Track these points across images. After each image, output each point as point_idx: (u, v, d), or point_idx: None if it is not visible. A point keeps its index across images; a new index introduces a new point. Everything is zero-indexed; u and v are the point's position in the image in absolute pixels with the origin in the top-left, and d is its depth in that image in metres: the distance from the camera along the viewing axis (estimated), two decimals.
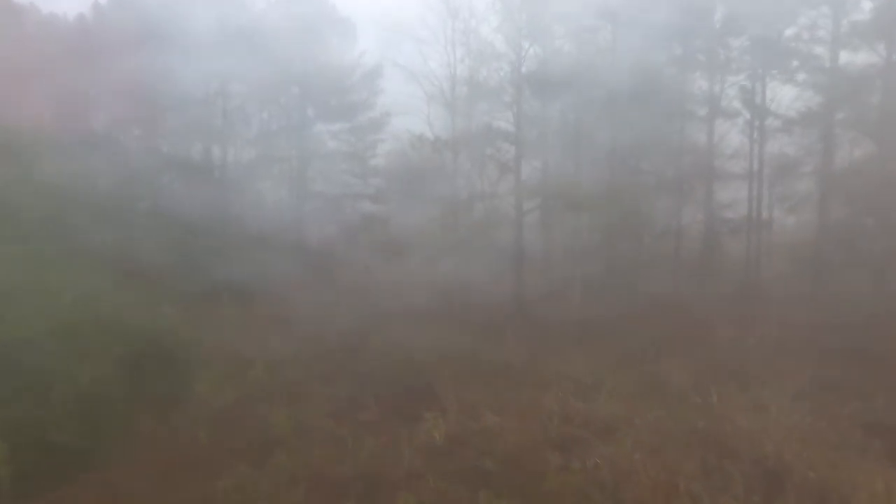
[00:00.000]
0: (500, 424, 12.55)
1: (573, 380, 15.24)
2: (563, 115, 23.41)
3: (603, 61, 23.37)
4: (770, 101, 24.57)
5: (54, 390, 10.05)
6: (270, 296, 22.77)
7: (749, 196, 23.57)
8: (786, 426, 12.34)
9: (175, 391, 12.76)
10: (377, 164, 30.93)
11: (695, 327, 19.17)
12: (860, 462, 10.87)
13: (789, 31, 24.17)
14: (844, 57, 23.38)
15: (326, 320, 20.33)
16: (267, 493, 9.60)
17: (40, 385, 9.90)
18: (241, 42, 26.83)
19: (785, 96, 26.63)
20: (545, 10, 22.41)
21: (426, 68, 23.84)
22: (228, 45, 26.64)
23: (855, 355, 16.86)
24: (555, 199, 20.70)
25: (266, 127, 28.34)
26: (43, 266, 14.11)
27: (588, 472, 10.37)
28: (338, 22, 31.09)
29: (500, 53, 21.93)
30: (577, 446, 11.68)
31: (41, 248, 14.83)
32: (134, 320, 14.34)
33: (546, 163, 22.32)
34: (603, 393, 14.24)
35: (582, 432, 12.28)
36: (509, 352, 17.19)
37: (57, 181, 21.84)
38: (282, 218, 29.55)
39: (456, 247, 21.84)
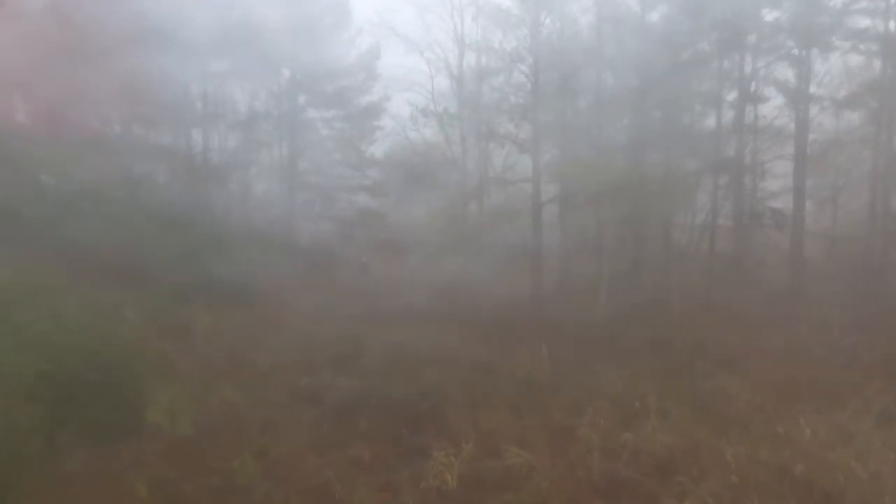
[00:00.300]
0: (529, 463, 9.88)
1: (611, 399, 12.56)
2: (582, 93, 20.71)
3: (627, 38, 20.71)
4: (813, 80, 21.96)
5: None
6: (256, 297, 20.25)
7: (795, 185, 20.89)
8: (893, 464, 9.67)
9: (118, 421, 10.10)
10: (375, 153, 28.38)
11: (743, 332, 16.53)
12: None
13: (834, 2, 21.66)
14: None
15: (317, 326, 17.75)
16: None
17: None
18: (224, 20, 24.27)
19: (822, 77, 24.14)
20: None
21: (430, 38, 21.04)
22: (209, 22, 24.08)
23: None
24: (577, 186, 17.95)
25: (252, 111, 25.66)
26: None
27: None
28: None
29: (515, 16, 19.15)
30: (631, 494, 9.04)
31: None
32: (76, 328, 11.65)
33: (564, 146, 19.58)
34: (651, 417, 11.55)
35: (633, 472, 9.61)
36: (531, 363, 14.47)
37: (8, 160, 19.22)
38: (271, 212, 26.98)
39: (464, 242, 19.18)
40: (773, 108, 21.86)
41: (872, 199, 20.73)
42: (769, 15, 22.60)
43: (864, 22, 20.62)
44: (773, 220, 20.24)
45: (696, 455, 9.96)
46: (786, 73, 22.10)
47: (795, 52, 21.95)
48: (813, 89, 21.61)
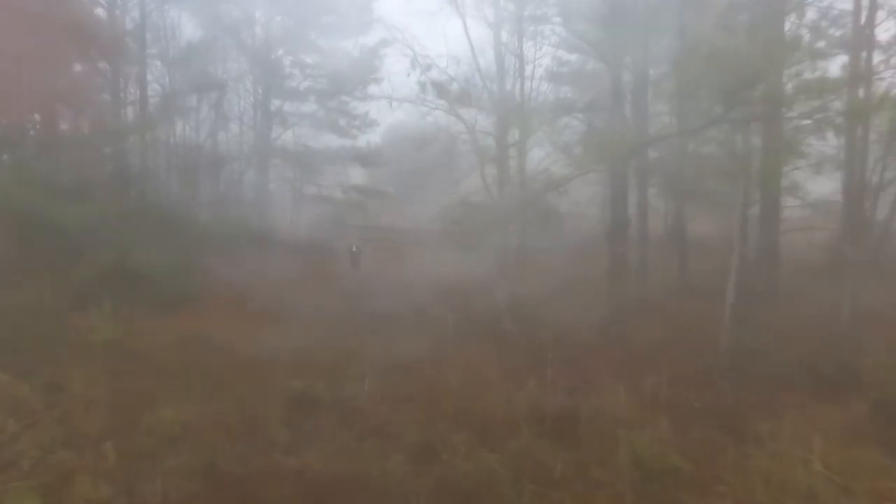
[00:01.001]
0: None
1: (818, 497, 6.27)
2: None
3: None
4: None
5: None
6: (196, 301, 14.15)
7: None
8: None
9: None
10: (370, 112, 21.97)
11: None
12: None
13: None
14: None
15: (279, 345, 11.16)
16: None
17: None
18: None
19: None
20: None
21: None
22: None
23: None
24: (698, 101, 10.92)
25: (204, 40, 19.23)
26: None
27: None
28: None
29: None
30: None
31: None
32: None
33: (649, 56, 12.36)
34: None
35: None
36: (642, 425, 8.01)
37: None
38: (234, 187, 20.72)
39: (501, 224, 12.67)
40: None
41: None
42: None
43: None
44: None
45: None
46: None
47: None
48: None
